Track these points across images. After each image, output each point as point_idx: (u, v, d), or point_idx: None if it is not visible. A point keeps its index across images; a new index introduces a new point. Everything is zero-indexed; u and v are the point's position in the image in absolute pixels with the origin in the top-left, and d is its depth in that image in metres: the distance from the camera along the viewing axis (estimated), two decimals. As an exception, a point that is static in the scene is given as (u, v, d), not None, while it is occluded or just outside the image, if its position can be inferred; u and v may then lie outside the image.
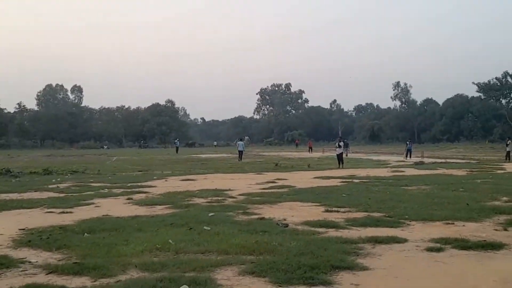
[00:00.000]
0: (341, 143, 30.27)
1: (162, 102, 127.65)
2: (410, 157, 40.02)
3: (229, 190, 15.66)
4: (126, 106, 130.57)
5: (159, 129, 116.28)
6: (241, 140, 43.83)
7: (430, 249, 7.17)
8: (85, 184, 18.25)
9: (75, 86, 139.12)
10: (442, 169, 25.61)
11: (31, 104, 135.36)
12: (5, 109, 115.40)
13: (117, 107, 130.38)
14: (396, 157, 43.53)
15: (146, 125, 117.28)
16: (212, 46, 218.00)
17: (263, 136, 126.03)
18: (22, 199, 13.69)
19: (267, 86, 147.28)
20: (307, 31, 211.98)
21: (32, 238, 7.99)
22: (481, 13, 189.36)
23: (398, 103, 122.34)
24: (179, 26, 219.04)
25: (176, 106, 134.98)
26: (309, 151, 60.44)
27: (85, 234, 8.32)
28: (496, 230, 8.63)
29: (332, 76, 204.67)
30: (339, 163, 28.83)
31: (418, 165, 30.08)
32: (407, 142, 43.96)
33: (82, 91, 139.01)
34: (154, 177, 21.40)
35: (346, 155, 37.75)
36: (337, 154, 29.79)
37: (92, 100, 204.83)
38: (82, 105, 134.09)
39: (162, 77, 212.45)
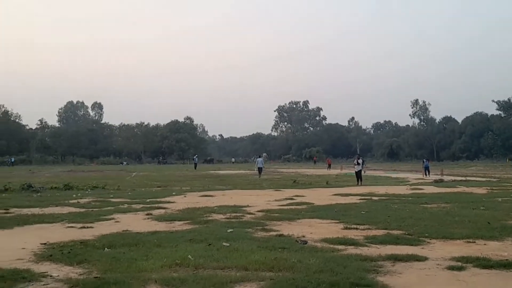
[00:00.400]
0: (360, 161, 30.16)
1: (181, 119, 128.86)
2: (429, 174, 39.66)
3: (248, 206, 15.66)
4: (146, 123, 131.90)
5: (177, 145, 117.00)
6: (259, 157, 43.79)
7: (451, 268, 7.10)
8: (105, 200, 18.39)
9: (95, 103, 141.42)
10: (462, 187, 25.32)
11: (53, 120, 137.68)
12: (27, 125, 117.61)
13: (136, 123, 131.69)
14: (415, 174, 43.11)
15: (165, 141, 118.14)
16: (231, 62, 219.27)
17: (281, 153, 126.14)
18: (44, 214, 13.85)
19: (285, 103, 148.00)
20: (325, 48, 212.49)
21: (53, 253, 8.08)
22: (503, 36, 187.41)
23: (416, 120, 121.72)
24: (197, 42, 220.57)
25: (194, 123, 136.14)
26: (327, 168, 60.32)
27: (106, 249, 8.40)
28: (518, 249, 8.51)
29: (350, 93, 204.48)
30: (357, 181, 28.71)
31: (438, 182, 29.77)
32: (424, 160, 43.71)
33: (102, 108, 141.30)
34: (173, 193, 21.49)
35: (364, 172, 37.60)
36: (355, 172, 29.71)
37: (112, 117, 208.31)
38: (102, 121, 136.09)
39: (181, 94, 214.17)
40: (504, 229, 10.40)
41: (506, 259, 7.53)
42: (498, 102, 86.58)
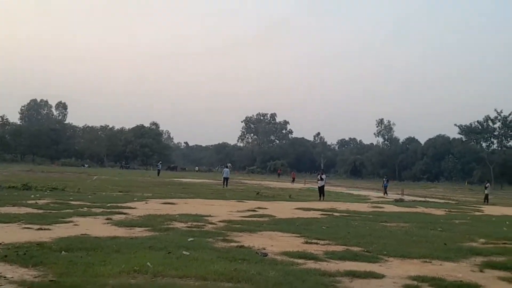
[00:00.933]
0: (323, 176, 30.48)
1: (147, 124, 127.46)
2: (386, 193, 40.28)
3: (210, 216, 15.61)
4: (110, 126, 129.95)
5: (141, 150, 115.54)
6: (226, 167, 43.74)
7: (407, 286, 7.24)
8: (64, 202, 18.04)
9: (60, 102, 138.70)
10: (421, 207, 25.82)
11: (14, 118, 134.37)
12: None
13: (101, 126, 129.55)
14: (376, 193, 43.73)
15: (129, 146, 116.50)
16: (199, 71, 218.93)
17: (246, 164, 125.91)
18: (0, 213, 13.49)
19: (253, 115, 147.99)
20: (295, 63, 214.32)
21: (8, 253, 7.89)
22: (468, 56, 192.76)
23: (381, 139, 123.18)
24: (164, 49, 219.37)
25: (160, 128, 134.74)
26: (292, 181, 60.64)
27: (63, 252, 8.24)
28: (472, 271, 8.73)
29: (317, 109, 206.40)
30: (320, 196, 28.98)
31: (398, 202, 30.27)
32: (384, 179, 44.86)
33: (66, 108, 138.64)
34: (135, 199, 21.24)
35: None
36: (318, 187, 29.98)
37: (76, 118, 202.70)
38: (66, 122, 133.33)
39: (148, 99, 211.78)
40: (459, 251, 10.66)
41: (461, 280, 7.73)
42: (460, 126, 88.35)
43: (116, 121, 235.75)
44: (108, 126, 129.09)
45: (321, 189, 29.39)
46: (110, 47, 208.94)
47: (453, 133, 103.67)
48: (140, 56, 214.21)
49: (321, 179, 29.96)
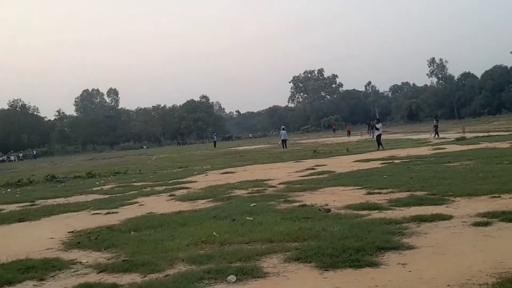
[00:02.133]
0: (378, 125, 29.74)
1: (197, 98, 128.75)
2: (437, 134, 38.41)
3: (269, 180, 15.70)
4: (162, 105, 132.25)
5: (195, 125, 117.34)
6: (283, 129, 43.74)
7: (477, 224, 7.05)
8: (127, 184, 18.58)
9: (110, 89, 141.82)
10: (485, 143, 25.02)
11: (70, 110, 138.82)
12: (46, 117, 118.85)
13: (153, 106, 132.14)
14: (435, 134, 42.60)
15: (182, 122, 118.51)
16: (241, 39, 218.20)
17: (300, 124, 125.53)
18: (69, 203, 14.04)
19: (300, 74, 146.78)
20: (333, 15, 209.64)
21: (81, 240, 8.20)
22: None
23: (434, 79, 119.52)
24: (205, 25, 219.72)
25: (210, 101, 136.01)
26: (347, 135, 59.96)
27: (132, 232, 8.50)
28: (545, 199, 8.40)
29: (365, 58, 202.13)
30: (378, 146, 28.32)
31: (460, 140, 29.43)
32: (434, 120, 42.03)
33: (118, 94, 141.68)
34: (195, 173, 21.63)
35: (373, 137, 37.39)
36: (375, 136, 29.37)
37: (128, 102, 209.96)
38: (119, 107, 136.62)
39: (195, 74, 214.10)
40: (529, 182, 10.26)
41: (533, 211, 7.44)
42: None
43: (167, 100, 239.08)
44: (160, 105, 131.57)
45: (378, 139, 28.72)
46: (156, 27, 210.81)
47: (511, 62, 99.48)
48: (183, 32, 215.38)
49: (377, 128, 29.40)
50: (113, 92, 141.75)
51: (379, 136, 28.78)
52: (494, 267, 5.06)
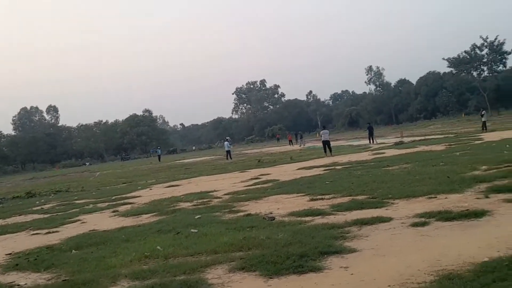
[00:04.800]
0: (325, 131, 29.66)
1: (140, 113, 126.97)
2: (373, 140, 38.42)
3: (214, 191, 15.67)
4: (104, 121, 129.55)
5: (139, 139, 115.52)
6: (226, 140, 44.44)
7: (415, 225, 7.28)
8: (69, 202, 18.09)
9: (50, 106, 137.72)
10: (421, 146, 25.88)
11: (8, 129, 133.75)
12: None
13: (94, 122, 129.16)
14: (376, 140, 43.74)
15: (125, 137, 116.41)
16: (184, 51, 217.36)
17: (244, 135, 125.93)
18: (7, 224, 13.54)
19: (242, 85, 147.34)
20: (275, 28, 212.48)
21: (19, 262, 7.92)
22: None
23: (372, 87, 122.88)
24: (145, 37, 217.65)
25: (154, 114, 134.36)
26: (290, 144, 60.57)
27: (73, 251, 8.28)
28: (478, 198, 8.77)
29: (305, 68, 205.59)
30: (325, 151, 28.29)
31: (398, 145, 30.33)
32: (367, 128, 41.20)
33: (57, 111, 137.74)
34: (139, 187, 21.30)
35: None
36: (323, 141, 29.05)
37: (69, 119, 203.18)
38: (59, 124, 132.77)
39: (137, 88, 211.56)
40: (463, 181, 10.69)
41: (467, 209, 7.76)
42: (448, 60, 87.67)
43: (109, 115, 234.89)
44: (102, 121, 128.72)
45: (326, 144, 28.78)
46: (90, 43, 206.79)
47: (443, 68, 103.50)
48: (123, 49, 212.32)
49: (321, 135, 29.72)
50: (52, 109, 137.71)
51: (326, 142, 28.62)
52: (432, 266, 5.25)
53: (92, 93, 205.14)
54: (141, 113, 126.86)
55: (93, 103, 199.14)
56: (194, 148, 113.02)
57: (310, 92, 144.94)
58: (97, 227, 10.83)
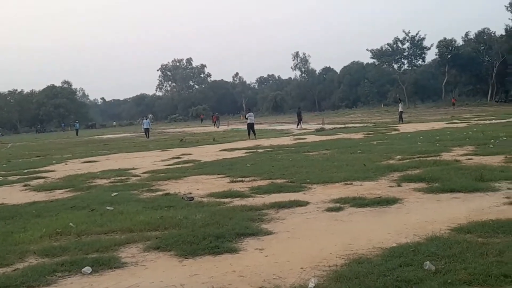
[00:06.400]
0: (250, 114, 30.01)
1: (58, 84, 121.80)
2: (299, 125, 39.28)
3: (133, 169, 15.37)
4: (19, 90, 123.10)
5: (56, 112, 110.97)
6: (146, 118, 43.43)
7: (330, 209, 7.48)
8: (-24, 175, 17.11)
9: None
10: (341, 134, 26.64)
11: None
12: None
13: (8, 91, 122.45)
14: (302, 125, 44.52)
15: (42, 108, 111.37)
16: (111, 21, 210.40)
17: (167, 113, 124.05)
18: None
19: (168, 62, 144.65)
20: (207, 6, 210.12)
21: None
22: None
23: (298, 73, 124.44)
24: (70, 7, 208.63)
25: (73, 87, 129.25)
26: (214, 125, 60.36)
27: (-22, 225, 7.84)
28: (390, 186, 9.14)
29: (233, 49, 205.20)
30: (248, 134, 28.59)
31: (319, 131, 31.04)
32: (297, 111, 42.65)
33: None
34: (53, 162, 20.49)
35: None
36: (247, 125, 29.54)
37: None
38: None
39: (56, 56, 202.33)
40: (378, 170, 11.12)
41: (380, 197, 8.08)
42: (371, 51, 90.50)
43: (25, 85, 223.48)
44: (16, 90, 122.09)
45: (250, 127, 29.12)
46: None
47: (367, 59, 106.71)
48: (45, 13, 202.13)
49: (246, 118, 29.82)
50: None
51: (251, 125, 28.90)
52: (344, 249, 5.40)
53: (6, 60, 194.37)
54: (60, 85, 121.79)
55: (8, 70, 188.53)
56: (114, 124, 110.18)
57: (237, 74, 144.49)
58: (6, 201, 10.34)
